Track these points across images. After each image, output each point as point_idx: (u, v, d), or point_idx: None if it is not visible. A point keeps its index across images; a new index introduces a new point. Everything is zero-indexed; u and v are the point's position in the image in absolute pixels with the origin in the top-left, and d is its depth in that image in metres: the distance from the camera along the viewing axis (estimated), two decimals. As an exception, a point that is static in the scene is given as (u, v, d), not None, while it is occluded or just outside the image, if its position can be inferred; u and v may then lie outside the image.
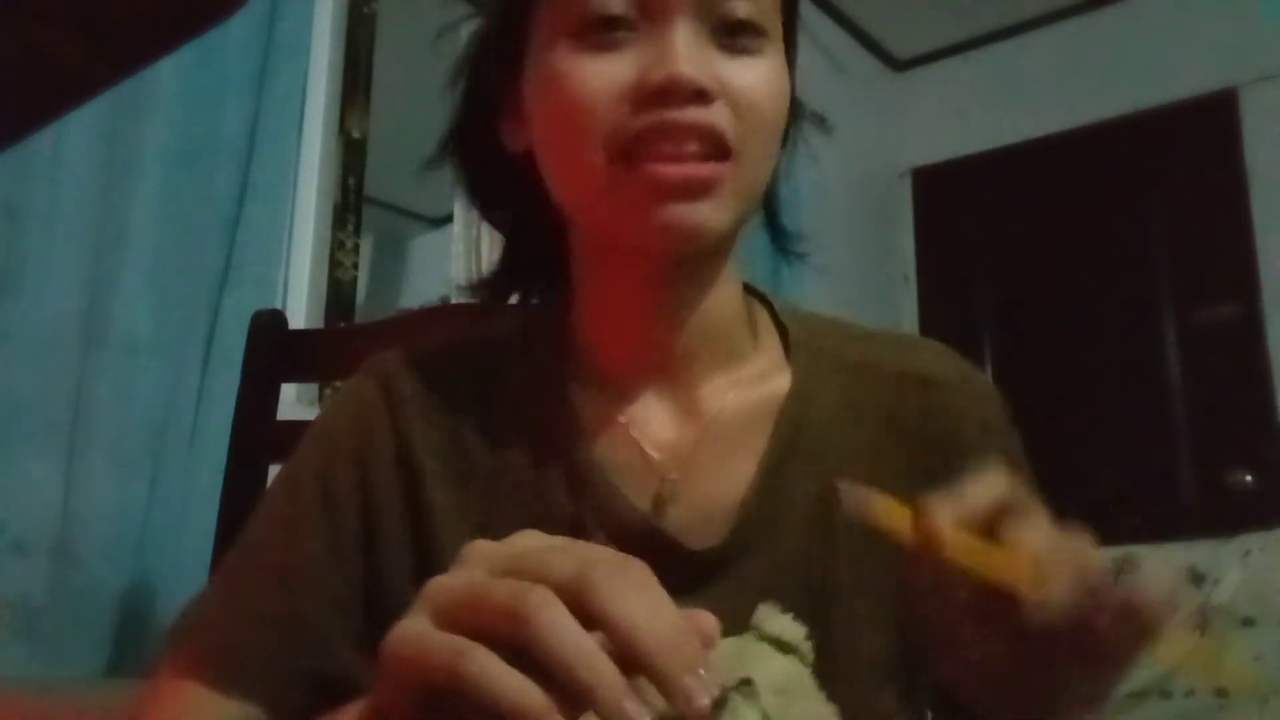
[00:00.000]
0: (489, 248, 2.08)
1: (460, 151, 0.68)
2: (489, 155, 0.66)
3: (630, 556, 0.37)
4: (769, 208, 0.69)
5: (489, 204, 0.70)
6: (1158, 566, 0.45)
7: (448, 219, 2.37)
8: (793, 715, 0.58)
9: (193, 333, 1.62)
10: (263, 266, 1.70)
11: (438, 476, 0.62)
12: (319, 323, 1.90)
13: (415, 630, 0.37)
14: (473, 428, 0.63)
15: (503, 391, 0.65)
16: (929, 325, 3.34)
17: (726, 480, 0.62)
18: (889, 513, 0.46)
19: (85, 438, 1.47)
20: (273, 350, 0.99)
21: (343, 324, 1.92)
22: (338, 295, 1.94)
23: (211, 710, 0.57)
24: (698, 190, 0.55)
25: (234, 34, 1.73)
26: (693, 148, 0.55)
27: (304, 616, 0.59)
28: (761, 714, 0.57)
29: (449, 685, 0.35)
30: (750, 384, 0.64)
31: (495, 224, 0.71)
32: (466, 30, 0.69)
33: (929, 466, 0.64)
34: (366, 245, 2.15)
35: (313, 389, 1.83)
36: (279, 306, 1.60)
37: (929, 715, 0.68)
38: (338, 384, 0.95)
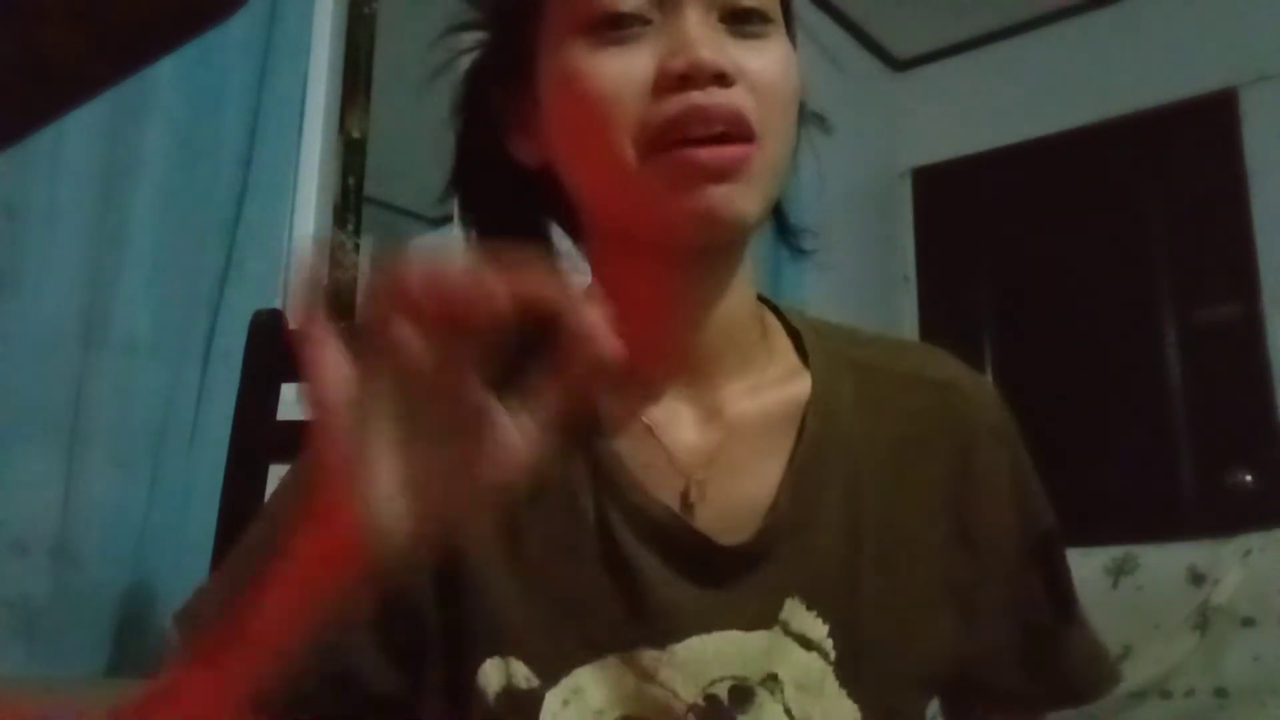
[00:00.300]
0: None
1: (468, 174, 0.68)
2: (497, 174, 0.66)
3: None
4: (777, 205, 0.69)
5: (493, 224, 0.69)
6: None
7: (448, 219, 2.37)
8: (814, 712, 0.58)
9: (193, 332, 1.62)
10: (263, 266, 1.70)
11: None
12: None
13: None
14: None
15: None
16: (929, 325, 3.34)
17: (753, 481, 0.62)
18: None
19: (85, 438, 1.47)
20: (273, 350, 0.99)
21: (343, 324, 1.91)
22: (338, 295, 1.94)
23: None
24: (730, 171, 0.55)
25: (234, 34, 1.73)
26: (720, 129, 0.55)
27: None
28: (784, 709, 0.58)
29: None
30: (770, 387, 0.65)
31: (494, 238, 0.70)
32: (469, 32, 0.68)
33: (944, 468, 0.65)
34: (366, 245, 2.14)
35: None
36: (279, 306, 1.60)
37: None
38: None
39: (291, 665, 0.44)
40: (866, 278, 3.19)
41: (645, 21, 0.56)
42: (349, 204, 1.99)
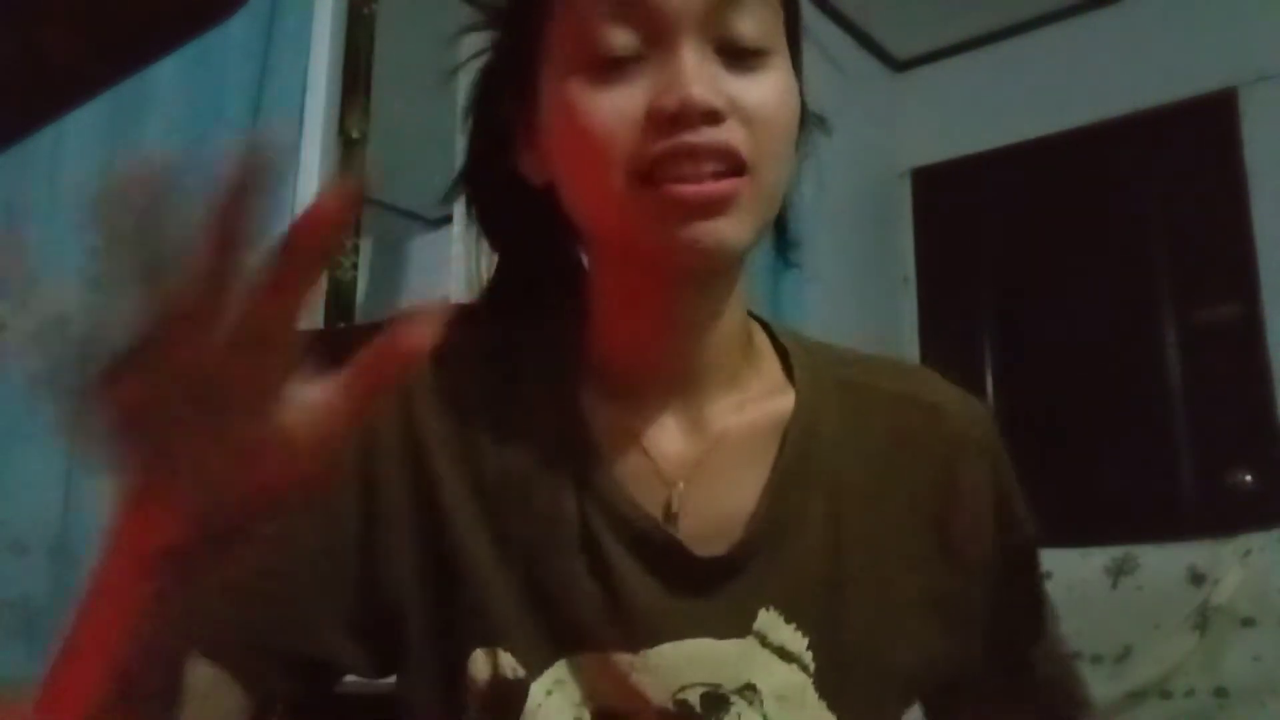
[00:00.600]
0: (489, 249, 2.08)
1: (476, 186, 0.69)
2: (506, 187, 0.66)
3: None
4: (778, 218, 0.70)
5: (502, 233, 0.70)
6: None
7: (448, 219, 2.37)
8: None
9: (193, 333, 1.61)
10: (263, 266, 1.70)
11: (446, 472, 0.62)
12: (318, 323, 1.90)
13: None
14: (483, 426, 0.64)
15: (514, 393, 0.65)
16: (929, 325, 3.34)
17: (735, 493, 0.63)
18: None
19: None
20: (273, 350, 0.99)
21: (343, 324, 1.92)
22: (338, 295, 1.94)
23: None
24: (717, 207, 0.56)
25: (234, 34, 1.73)
26: (710, 168, 0.55)
27: (290, 596, 0.59)
28: (764, 719, 0.58)
29: None
30: (756, 401, 0.66)
31: (501, 250, 0.71)
32: (472, 34, 0.69)
33: (928, 485, 0.66)
34: (366, 245, 2.15)
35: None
36: (279, 306, 1.60)
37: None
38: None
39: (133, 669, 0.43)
40: (866, 278, 3.19)
41: (641, 56, 0.57)
42: (349, 204, 1.99)
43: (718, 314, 0.64)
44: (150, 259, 0.34)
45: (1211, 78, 2.92)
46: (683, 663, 0.59)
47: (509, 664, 0.59)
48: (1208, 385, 2.86)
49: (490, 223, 0.70)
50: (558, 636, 0.60)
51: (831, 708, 0.60)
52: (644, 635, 0.59)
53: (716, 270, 0.61)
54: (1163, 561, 2.28)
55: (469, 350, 0.67)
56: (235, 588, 0.59)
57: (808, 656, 0.61)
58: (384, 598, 0.60)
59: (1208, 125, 2.94)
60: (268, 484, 0.39)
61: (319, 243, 0.37)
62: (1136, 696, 2.11)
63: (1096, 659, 2.21)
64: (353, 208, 0.37)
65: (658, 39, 0.56)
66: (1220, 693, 2.05)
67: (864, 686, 0.61)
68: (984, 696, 0.68)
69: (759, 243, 0.62)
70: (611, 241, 0.62)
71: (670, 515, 0.62)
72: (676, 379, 0.65)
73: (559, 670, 0.59)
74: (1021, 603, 0.68)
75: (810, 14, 0.66)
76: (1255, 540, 2.19)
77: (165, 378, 0.36)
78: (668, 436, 0.64)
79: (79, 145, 1.54)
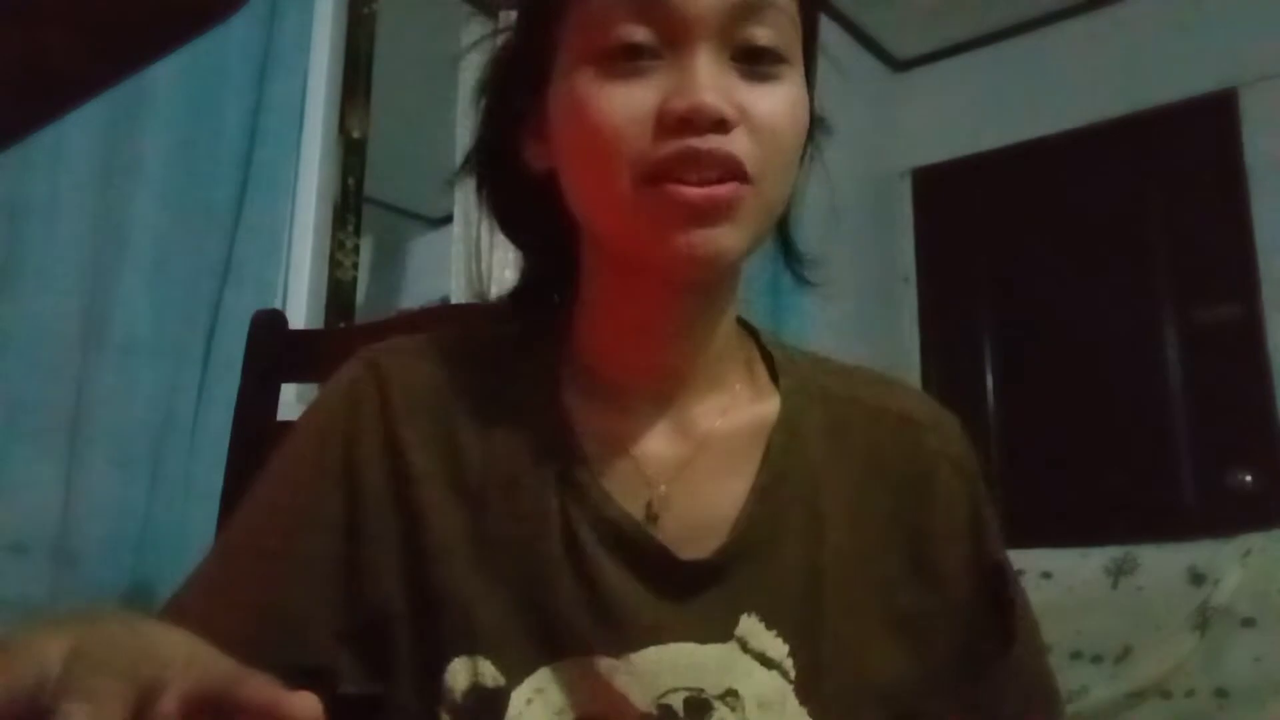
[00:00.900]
0: (489, 249, 2.08)
1: (483, 170, 0.69)
2: (511, 173, 0.67)
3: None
4: (782, 229, 0.70)
5: (510, 221, 0.71)
6: None
7: (448, 219, 2.37)
8: None
9: (193, 333, 1.62)
10: (263, 266, 1.71)
11: (428, 472, 0.62)
12: (319, 323, 1.90)
13: None
14: (466, 425, 0.64)
15: (498, 393, 0.65)
16: (929, 325, 3.34)
17: (718, 497, 0.63)
18: None
19: (85, 438, 1.47)
20: (273, 350, 0.99)
21: (343, 324, 1.92)
22: (338, 295, 1.94)
23: None
24: (719, 212, 0.56)
25: (234, 34, 1.73)
26: (713, 175, 0.55)
27: (283, 606, 0.60)
28: None
29: None
30: (741, 407, 0.66)
31: (514, 240, 0.72)
32: (472, 34, 0.69)
33: (905, 499, 0.66)
34: (366, 245, 2.15)
35: (312, 389, 1.82)
36: (279, 306, 1.60)
37: None
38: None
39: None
40: (867, 278, 3.19)
41: (656, 55, 0.57)
42: (349, 204, 1.99)
43: (710, 320, 0.64)
44: None
45: (1211, 78, 2.92)
46: (665, 667, 0.59)
47: (489, 672, 0.59)
48: (1208, 385, 2.86)
49: (499, 209, 0.70)
50: (540, 640, 0.59)
51: (813, 715, 0.60)
52: (627, 639, 0.59)
53: (710, 277, 0.61)
54: (1163, 561, 2.28)
55: (450, 350, 0.67)
56: (228, 603, 0.59)
57: (789, 663, 0.61)
58: (372, 605, 0.60)
59: (1208, 125, 2.94)
60: None
61: None
62: (1136, 696, 2.11)
63: (1096, 659, 2.21)
64: None
65: (674, 40, 0.56)
66: (1220, 693, 2.05)
67: (843, 696, 0.61)
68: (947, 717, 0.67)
69: (754, 252, 0.61)
70: (610, 239, 0.61)
71: (652, 517, 0.62)
72: (663, 382, 0.65)
73: (540, 678, 0.59)
74: (992, 615, 0.67)
75: (810, 13, 0.66)
76: (1255, 540, 2.19)
77: None
78: (652, 438, 0.64)
79: (79, 145, 1.54)
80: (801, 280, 0.72)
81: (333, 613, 0.60)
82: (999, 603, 0.68)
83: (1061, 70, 3.17)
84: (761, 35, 0.58)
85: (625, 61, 0.57)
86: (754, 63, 0.58)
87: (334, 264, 1.95)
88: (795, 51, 0.60)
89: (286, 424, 0.95)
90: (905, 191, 3.45)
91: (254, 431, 0.96)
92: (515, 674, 0.59)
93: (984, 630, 0.67)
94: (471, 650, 0.59)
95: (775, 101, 0.58)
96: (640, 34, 0.56)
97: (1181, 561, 2.24)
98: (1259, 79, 2.87)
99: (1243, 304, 2.84)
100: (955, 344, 3.28)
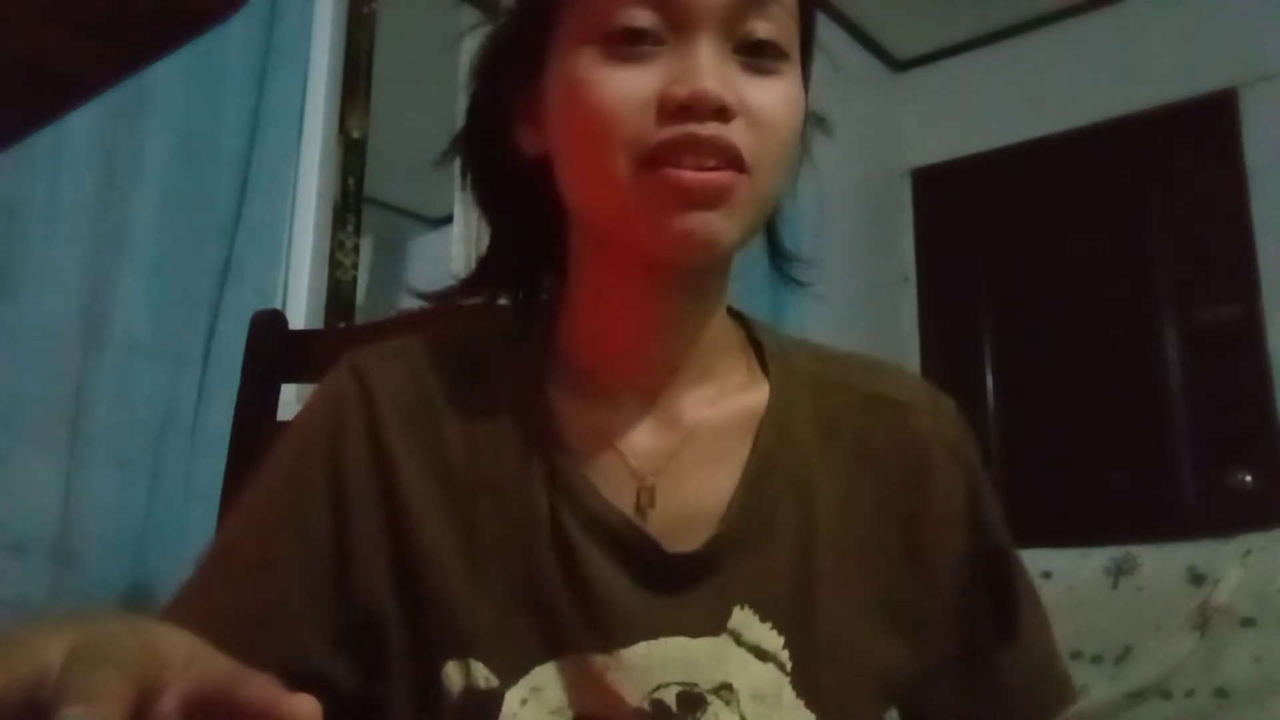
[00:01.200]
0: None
1: (471, 153, 0.69)
2: (499, 158, 0.66)
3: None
4: (770, 230, 0.70)
5: (495, 206, 0.70)
6: None
7: (448, 219, 2.37)
8: None
9: (193, 333, 1.62)
10: (263, 266, 1.70)
11: (415, 475, 0.62)
12: (319, 323, 1.90)
13: None
14: (451, 426, 0.64)
15: (483, 392, 0.65)
16: (929, 325, 3.34)
17: (706, 489, 0.63)
18: None
19: (85, 438, 1.47)
20: (273, 350, 0.99)
21: (343, 324, 1.92)
22: (338, 295, 1.94)
23: None
24: (716, 198, 0.56)
25: (234, 34, 1.73)
26: (711, 162, 0.55)
27: (275, 612, 0.59)
28: (741, 718, 0.58)
29: None
30: (729, 397, 0.65)
31: (496, 225, 0.71)
32: (473, 33, 0.69)
33: (898, 486, 0.66)
34: (366, 245, 2.14)
35: (313, 389, 1.83)
36: (279, 306, 1.60)
37: None
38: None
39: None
40: (866, 278, 3.19)
41: (659, 41, 0.57)
42: (349, 204, 1.99)
43: (699, 312, 0.64)
44: None
45: (1211, 78, 2.92)
46: (657, 662, 0.59)
47: (482, 674, 0.58)
48: (1208, 385, 2.86)
49: (484, 191, 0.70)
50: (532, 639, 0.59)
51: (809, 707, 0.60)
52: (617, 634, 0.59)
53: (702, 264, 0.60)
54: (1163, 562, 2.27)
55: (435, 351, 0.67)
56: (219, 612, 0.59)
57: (784, 655, 0.60)
58: (364, 610, 0.60)
59: (1208, 125, 2.95)
60: None
61: None
62: (1136, 696, 2.11)
63: (1096, 659, 2.21)
64: None
65: (678, 28, 0.57)
66: (1220, 693, 2.05)
67: (840, 686, 0.61)
68: (951, 709, 0.67)
69: (744, 245, 0.61)
70: (603, 223, 0.61)
71: (640, 510, 0.62)
72: (651, 375, 0.64)
73: (534, 678, 0.59)
74: (992, 604, 0.67)
75: (810, 13, 0.66)
76: (1255, 540, 2.19)
77: None
78: (639, 431, 0.64)
79: (79, 145, 1.54)
80: (790, 280, 0.71)
81: (325, 619, 0.60)
82: (1001, 590, 0.67)
83: (1061, 70, 3.17)
84: (764, 29, 0.58)
85: (627, 46, 0.57)
86: (755, 56, 0.58)
87: (334, 264, 1.95)
88: (794, 48, 0.60)
89: (286, 424, 0.96)
90: (905, 191, 3.45)
91: (254, 431, 0.96)
92: (509, 675, 0.59)
93: (984, 619, 0.66)
94: (464, 652, 0.59)
95: (775, 95, 0.58)
96: (645, 19, 0.56)
97: (1181, 561, 2.24)
98: (1259, 79, 2.87)
99: (1243, 304, 2.84)
100: (955, 344, 3.28)
